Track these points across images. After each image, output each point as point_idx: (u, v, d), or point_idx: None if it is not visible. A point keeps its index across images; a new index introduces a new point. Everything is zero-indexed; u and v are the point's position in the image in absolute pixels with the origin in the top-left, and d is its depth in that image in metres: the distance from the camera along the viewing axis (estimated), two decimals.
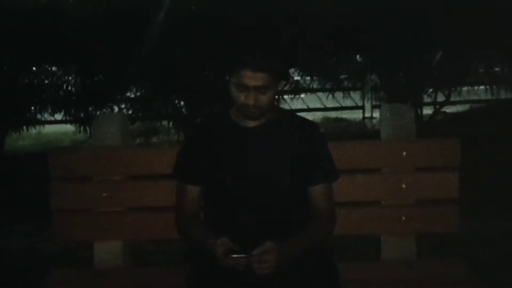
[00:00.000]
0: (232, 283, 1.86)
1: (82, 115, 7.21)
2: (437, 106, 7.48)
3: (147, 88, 7.16)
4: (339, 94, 8.19)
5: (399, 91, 7.08)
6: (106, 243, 2.38)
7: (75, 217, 2.38)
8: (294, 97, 7.57)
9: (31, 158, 5.67)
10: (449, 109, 8.39)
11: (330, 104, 8.74)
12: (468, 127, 7.30)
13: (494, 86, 7.37)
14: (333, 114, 9.47)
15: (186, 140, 2.16)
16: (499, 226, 3.87)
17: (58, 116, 7.76)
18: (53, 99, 7.09)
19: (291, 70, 6.89)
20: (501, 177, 4.83)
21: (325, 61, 6.59)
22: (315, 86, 7.45)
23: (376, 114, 7.85)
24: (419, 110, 7.43)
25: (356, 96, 8.75)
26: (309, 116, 8.88)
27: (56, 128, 8.85)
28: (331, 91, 7.62)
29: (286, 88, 7.13)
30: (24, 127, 7.53)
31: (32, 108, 7.27)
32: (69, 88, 7.14)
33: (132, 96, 7.54)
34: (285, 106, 7.73)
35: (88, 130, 6.92)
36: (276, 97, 7.29)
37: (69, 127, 8.27)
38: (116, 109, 7.31)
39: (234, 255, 1.81)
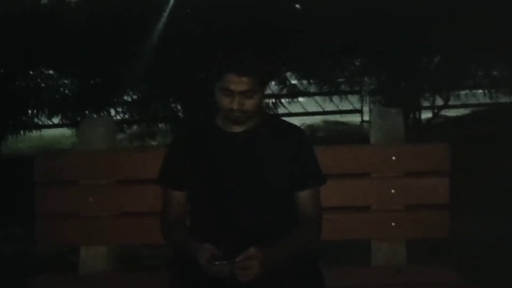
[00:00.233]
0: None
1: (79, 118, 7.18)
2: (436, 110, 7.45)
3: (144, 91, 7.14)
4: (338, 98, 8.17)
5: (397, 94, 7.06)
6: (92, 248, 2.35)
7: (60, 222, 2.35)
8: (291, 100, 7.55)
9: (30, 161, 5.64)
10: (448, 113, 8.37)
11: (329, 107, 8.71)
12: (467, 130, 7.29)
13: (493, 90, 7.33)
14: (332, 118, 9.44)
15: (171, 146, 2.13)
16: (498, 228, 3.84)
17: (56, 120, 7.74)
18: (50, 103, 7.06)
19: (288, 74, 6.88)
20: (502, 179, 4.82)
21: (322, 64, 6.57)
22: (312, 90, 7.42)
23: None
24: (417, 114, 7.40)
25: (355, 99, 8.72)
26: (308, 120, 8.92)
27: (57, 131, 8.83)
28: (329, 94, 7.59)
29: (283, 92, 7.12)
30: (22, 131, 7.51)
31: (29, 111, 7.24)
32: (66, 91, 7.11)
33: (129, 99, 7.51)
34: (282, 110, 7.73)
35: None
36: (274, 101, 7.36)
37: (70, 130, 8.24)
38: (113, 112, 7.28)
39: (217, 262, 1.78)
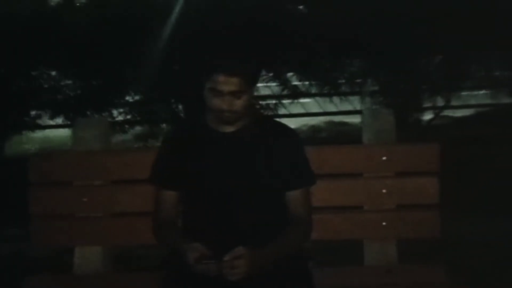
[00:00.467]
0: None
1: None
2: (436, 110, 7.45)
3: (146, 93, 7.16)
4: (340, 99, 8.15)
5: (398, 95, 7.05)
6: (86, 248, 2.37)
7: (55, 222, 2.38)
8: (292, 101, 7.55)
9: None
10: (450, 113, 8.36)
11: (331, 108, 8.71)
12: (469, 130, 7.29)
13: (494, 90, 7.32)
14: (337, 119, 9.44)
15: (162, 146, 2.15)
16: (498, 227, 3.85)
17: (60, 120, 7.77)
18: (51, 103, 7.09)
19: (289, 75, 6.88)
20: (502, 178, 4.82)
21: (321, 65, 6.57)
22: (313, 90, 7.41)
23: None
24: (418, 114, 7.40)
25: (356, 100, 8.72)
26: (311, 120, 8.93)
27: (63, 131, 8.86)
28: (329, 95, 7.59)
29: (284, 92, 7.12)
30: (24, 131, 7.55)
31: (32, 112, 7.28)
32: (68, 92, 7.14)
33: (131, 100, 7.53)
34: (284, 111, 7.74)
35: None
36: (274, 102, 7.38)
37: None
38: (115, 113, 7.30)
39: (205, 261, 1.80)
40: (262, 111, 7.19)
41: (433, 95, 7.09)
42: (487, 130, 6.82)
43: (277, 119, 2.22)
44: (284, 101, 7.67)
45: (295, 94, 7.15)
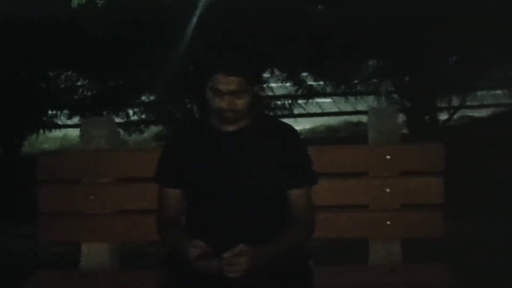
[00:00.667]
0: (205, 287, 1.86)
1: None
2: (452, 110, 7.41)
3: (162, 93, 7.23)
4: (357, 99, 8.13)
5: (413, 95, 7.03)
6: (93, 244, 2.41)
7: (62, 219, 2.42)
8: (307, 101, 7.57)
9: None
10: (466, 113, 8.30)
11: (347, 108, 8.69)
12: (484, 130, 7.21)
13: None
14: (354, 119, 9.40)
15: (166, 144, 2.18)
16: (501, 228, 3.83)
17: (77, 120, 7.86)
18: (69, 103, 7.19)
19: (303, 74, 6.90)
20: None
21: (336, 65, 6.57)
22: (329, 90, 7.42)
23: None
24: (435, 114, 7.36)
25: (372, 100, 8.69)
26: (328, 120, 8.91)
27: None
28: (344, 95, 7.59)
29: (299, 92, 7.14)
30: (43, 131, 7.65)
31: (49, 111, 7.38)
32: (85, 92, 7.23)
33: (147, 100, 7.61)
34: (299, 110, 7.75)
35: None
36: (290, 101, 7.39)
37: None
38: (131, 112, 7.39)
39: (205, 258, 1.82)
40: (277, 110, 7.23)
41: (449, 95, 7.06)
42: (504, 130, 6.75)
43: (283, 119, 2.23)
44: (300, 101, 7.69)
45: (310, 93, 7.17)
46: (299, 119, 7.91)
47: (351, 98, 7.97)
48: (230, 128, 2.02)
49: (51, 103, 7.17)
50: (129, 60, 6.47)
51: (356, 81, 7.03)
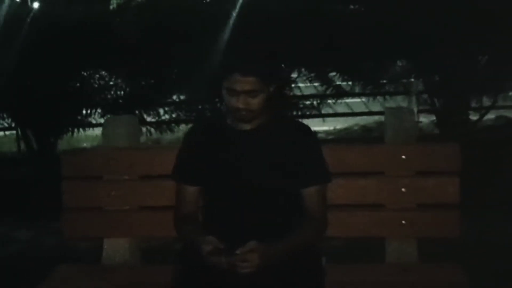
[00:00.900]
0: (217, 282, 1.91)
1: None
2: (483, 111, 7.32)
3: (192, 92, 7.31)
4: (386, 99, 8.09)
5: (445, 95, 6.96)
6: (114, 240, 2.48)
7: (84, 215, 2.49)
8: (336, 101, 7.57)
9: None
10: (499, 113, 8.19)
11: (376, 108, 8.66)
12: None
13: None
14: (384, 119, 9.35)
15: (184, 142, 2.23)
16: None
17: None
18: (102, 102, 7.33)
19: (331, 74, 6.90)
20: None
21: (366, 65, 6.56)
22: (357, 90, 7.41)
23: (422, 118, 7.73)
24: (466, 115, 7.28)
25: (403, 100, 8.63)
26: (362, 120, 8.88)
27: None
28: (374, 95, 7.56)
29: (328, 92, 7.15)
30: (78, 129, 7.80)
31: (84, 111, 7.53)
32: (118, 92, 7.37)
33: (177, 99, 7.71)
34: (328, 110, 7.75)
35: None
36: (316, 102, 7.39)
37: None
38: (161, 111, 7.50)
39: (216, 254, 1.86)
40: (305, 110, 7.25)
41: (480, 95, 6.97)
42: None
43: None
44: (329, 101, 7.69)
45: (339, 93, 7.17)
46: (328, 119, 7.92)
47: (380, 98, 7.94)
48: (246, 127, 2.06)
49: (86, 102, 7.32)
50: (161, 61, 6.58)
51: (384, 81, 7.00)
